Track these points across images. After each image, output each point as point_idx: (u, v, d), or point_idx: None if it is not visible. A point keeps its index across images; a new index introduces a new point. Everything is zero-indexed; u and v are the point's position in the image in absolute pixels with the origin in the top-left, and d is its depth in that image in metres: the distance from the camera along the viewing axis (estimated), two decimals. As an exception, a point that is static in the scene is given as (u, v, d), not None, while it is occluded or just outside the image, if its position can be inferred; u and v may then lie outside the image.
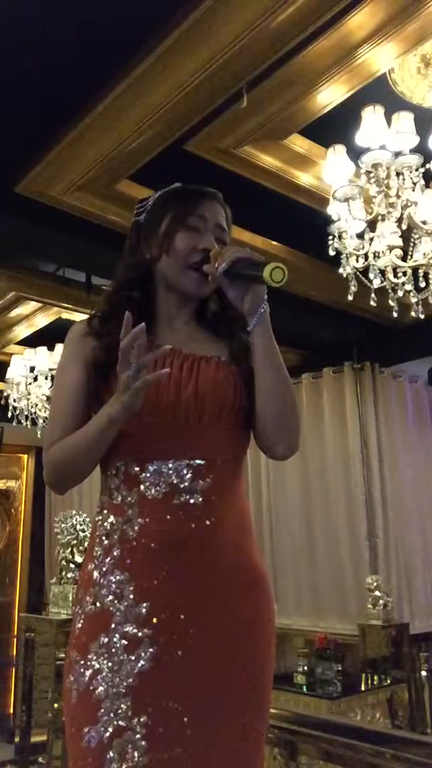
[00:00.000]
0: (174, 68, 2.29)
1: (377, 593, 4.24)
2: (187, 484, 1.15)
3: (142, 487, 1.16)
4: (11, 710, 5.61)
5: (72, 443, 1.18)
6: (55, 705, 3.47)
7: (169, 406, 1.16)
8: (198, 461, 1.16)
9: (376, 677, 4.07)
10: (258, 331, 1.19)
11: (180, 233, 1.25)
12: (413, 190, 2.33)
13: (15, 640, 5.79)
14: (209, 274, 1.21)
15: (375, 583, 4.26)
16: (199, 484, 1.15)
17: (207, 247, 1.24)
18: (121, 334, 1.06)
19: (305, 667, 4.02)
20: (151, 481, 1.15)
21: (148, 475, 1.16)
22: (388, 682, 4.03)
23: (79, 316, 3.90)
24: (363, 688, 3.99)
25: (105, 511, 1.20)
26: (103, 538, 1.18)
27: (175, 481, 1.15)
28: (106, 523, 1.18)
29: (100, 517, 1.20)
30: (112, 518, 1.17)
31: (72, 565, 4.15)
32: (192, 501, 1.14)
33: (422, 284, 2.58)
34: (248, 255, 1.17)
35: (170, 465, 1.15)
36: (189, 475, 1.15)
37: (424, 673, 4.04)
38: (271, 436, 1.22)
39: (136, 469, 1.17)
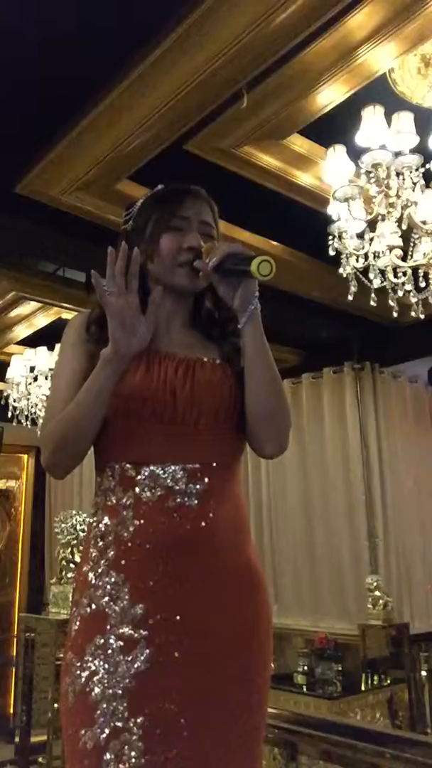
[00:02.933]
0: (174, 68, 2.28)
1: (377, 593, 4.24)
2: (182, 487, 1.15)
3: (137, 489, 1.15)
4: (11, 710, 5.61)
5: (70, 408, 1.16)
6: (55, 705, 3.47)
7: (166, 409, 1.16)
8: (194, 464, 1.16)
9: (376, 677, 4.07)
10: (248, 329, 1.19)
11: (164, 236, 1.25)
12: (413, 190, 2.33)
13: (15, 640, 5.79)
14: (201, 270, 1.21)
15: (375, 583, 4.26)
16: (194, 487, 1.15)
17: (192, 245, 1.24)
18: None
19: (305, 667, 4.03)
20: (146, 484, 1.15)
21: (143, 477, 1.15)
22: (388, 682, 4.03)
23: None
24: (363, 688, 4.00)
25: (99, 513, 1.19)
26: (98, 539, 1.17)
27: (170, 484, 1.14)
28: (100, 525, 1.18)
29: (95, 519, 1.20)
30: (106, 520, 1.17)
31: (72, 565, 4.15)
32: (187, 503, 1.14)
33: (422, 284, 2.58)
34: (239, 250, 1.17)
35: (166, 468, 1.15)
36: (184, 479, 1.15)
37: (424, 673, 4.04)
38: (260, 434, 1.22)
39: (132, 471, 1.16)
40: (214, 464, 1.18)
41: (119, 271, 1.14)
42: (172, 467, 1.15)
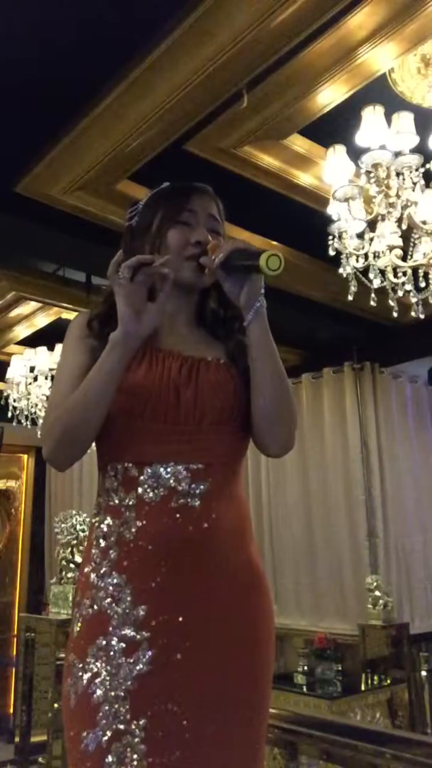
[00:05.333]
0: (174, 68, 2.28)
1: (377, 593, 4.24)
2: (185, 487, 1.14)
3: (140, 489, 1.15)
4: (11, 710, 5.61)
5: (76, 395, 1.14)
6: (55, 705, 3.47)
7: (169, 409, 1.16)
8: (197, 465, 1.15)
9: (376, 677, 4.07)
10: (254, 326, 1.18)
11: (172, 230, 1.25)
12: (413, 190, 2.33)
13: (15, 640, 5.79)
14: (206, 267, 1.21)
15: (375, 583, 4.26)
16: (197, 488, 1.14)
17: (200, 239, 1.24)
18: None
19: (305, 667, 4.03)
20: (149, 484, 1.14)
21: (146, 477, 1.15)
22: (388, 682, 4.03)
23: (79, 316, 3.89)
24: (363, 688, 4.00)
25: (102, 513, 1.19)
26: (101, 540, 1.17)
27: (173, 485, 1.14)
28: (103, 525, 1.17)
29: (97, 519, 1.19)
30: (109, 520, 1.16)
31: (72, 565, 4.15)
32: (190, 504, 1.13)
33: (422, 284, 2.57)
34: (245, 246, 1.17)
35: (169, 469, 1.15)
36: (187, 479, 1.14)
37: (424, 673, 4.03)
38: (265, 432, 1.21)
39: (135, 471, 1.16)
40: (218, 464, 1.18)
41: (138, 262, 1.13)
42: (175, 467, 1.15)
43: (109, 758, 1.03)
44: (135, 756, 1.03)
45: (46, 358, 4.34)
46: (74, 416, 1.14)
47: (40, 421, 4.43)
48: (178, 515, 1.13)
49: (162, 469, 1.15)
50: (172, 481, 1.14)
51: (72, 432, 1.14)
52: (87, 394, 1.13)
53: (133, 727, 1.04)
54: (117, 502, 1.16)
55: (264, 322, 1.19)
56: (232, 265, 1.16)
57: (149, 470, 1.15)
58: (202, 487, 1.15)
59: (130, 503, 1.15)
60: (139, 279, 1.12)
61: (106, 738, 1.04)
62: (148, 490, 1.14)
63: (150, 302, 1.14)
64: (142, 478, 1.15)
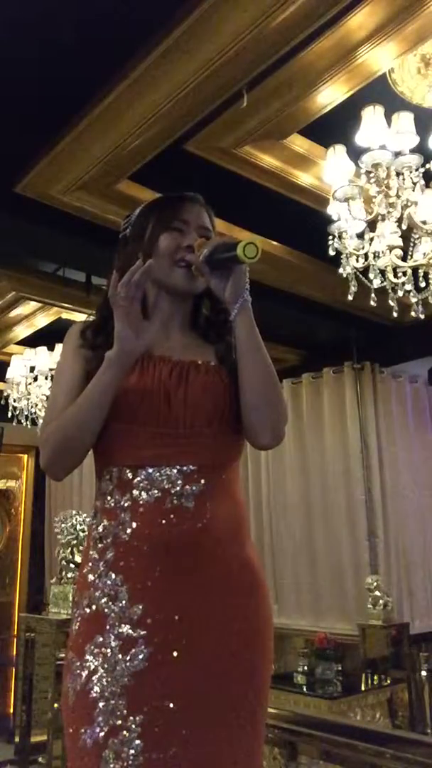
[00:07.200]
0: (174, 68, 2.29)
1: (377, 593, 4.24)
2: (178, 489, 1.16)
3: (134, 491, 1.17)
4: (11, 710, 5.61)
5: (72, 408, 1.18)
6: (55, 705, 3.47)
7: (161, 412, 1.18)
8: (190, 466, 1.17)
9: (376, 677, 4.07)
10: (240, 320, 1.21)
11: (163, 235, 1.28)
12: (413, 190, 2.33)
13: (15, 640, 5.79)
14: (193, 264, 1.24)
15: (375, 583, 4.26)
16: (191, 489, 1.16)
17: (191, 244, 1.26)
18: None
19: (305, 667, 4.02)
20: (143, 486, 1.17)
21: (140, 480, 1.17)
22: (388, 682, 4.03)
23: (79, 316, 3.91)
24: (363, 688, 3.99)
25: (98, 515, 1.21)
26: (97, 541, 1.19)
27: (167, 486, 1.16)
28: (99, 527, 1.20)
29: (94, 521, 1.22)
30: (105, 522, 1.19)
31: (72, 565, 4.16)
32: (184, 505, 1.15)
33: (422, 284, 2.58)
34: (227, 240, 1.20)
35: (162, 471, 1.17)
36: (181, 481, 1.16)
37: (424, 673, 4.03)
38: (254, 423, 1.23)
39: (129, 474, 1.18)
40: (211, 465, 1.19)
41: (134, 280, 1.14)
42: (168, 470, 1.17)
43: (106, 753, 1.05)
44: (131, 752, 1.04)
45: (46, 358, 4.34)
46: (69, 431, 1.17)
47: (40, 421, 4.43)
48: (172, 516, 1.14)
49: (156, 472, 1.17)
50: (165, 483, 1.16)
51: (67, 445, 1.19)
52: (82, 409, 1.17)
53: (130, 723, 1.06)
54: (112, 504, 1.18)
55: (249, 315, 1.21)
56: (215, 260, 1.19)
57: (143, 473, 1.17)
58: (195, 488, 1.17)
59: (125, 505, 1.17)
60: (131, 293, 1.14)
61: (102, 734, 1.06)
62: (143, 492, 1.16)
63: (146, 321, 1.18)
64: (136, 480, 1.17)
